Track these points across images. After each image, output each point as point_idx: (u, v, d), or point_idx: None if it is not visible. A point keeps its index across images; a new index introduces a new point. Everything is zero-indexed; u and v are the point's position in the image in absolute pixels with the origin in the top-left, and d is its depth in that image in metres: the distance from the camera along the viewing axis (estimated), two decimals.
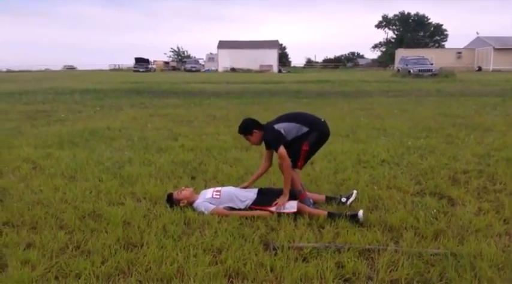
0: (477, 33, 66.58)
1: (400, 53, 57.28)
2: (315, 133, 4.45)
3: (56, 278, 3.07)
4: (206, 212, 4.27)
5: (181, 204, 4.42)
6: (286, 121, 4.52)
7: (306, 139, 4.41)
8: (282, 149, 4.32)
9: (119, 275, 3.13)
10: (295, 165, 4.42)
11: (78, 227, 3.95)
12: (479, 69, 57.09)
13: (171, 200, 4.47)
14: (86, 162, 6.39)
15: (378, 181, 5.39)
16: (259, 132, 4.52)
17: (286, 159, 4.30)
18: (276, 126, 4.46)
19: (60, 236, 3.73)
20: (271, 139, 4.44)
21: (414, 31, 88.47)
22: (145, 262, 3.26)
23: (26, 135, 8.87)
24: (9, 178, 5.62)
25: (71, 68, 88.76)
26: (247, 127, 4.56)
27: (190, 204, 4.43)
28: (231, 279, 3.08)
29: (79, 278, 3.05)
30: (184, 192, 4.49)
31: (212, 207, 4.31)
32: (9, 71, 71.29)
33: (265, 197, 4.39)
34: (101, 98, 17.66)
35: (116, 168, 6.06)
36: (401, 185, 5.19)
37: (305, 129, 4.43)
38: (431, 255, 3.36)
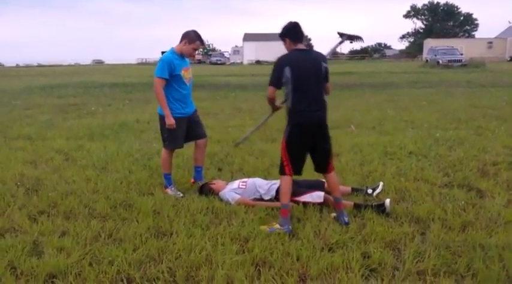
0: (509, 22, 64.83)
1: (429, 43, 56.10)
2: (288, 126, 3.87)
3: (90, 264, 3.19)
4: (232, 202, 4.35)
5: (211, 185, 4.65)
6: (294, 80, 3.76)
7: (283, 136, 3.89)
8: (269, 90, 3.84)
9: (149, 262, 3.23)
10: (285, 172, 3.87)
11: (110, 216, 4.09)
12: (511, 59, 55.42)
13: (203, 189, 4.68)
14: (116, 154, 6.55)
15: (405, 173, 5.36)
16: (290, 44, 3.88)
17: (269, 99, 3.93)
18: (287, 71, 3.75)
19: (93, 224, 3.86)
20: (272, 71, 3.85)
21: (443, 21, 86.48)
22: (175, 250, 3.36)
23: (58, 128, 9.15)
24: (43, 169, 5.82)
25: (99, 62, 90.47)
26: (283, 31, 3.90)
27: (217, 193, 4.55)
28: (258, 267, 3.13)
29: (112, 265, 3.15)
30: (217, 180, 4.82)
31: (238, 196, 4.39)
32: (40, 66, 73.08)
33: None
34: (130, 91, 17.97)
35: (145, 160, 6.21)
36: (428, 177, 5.14)
37: (288, 102, 3.83)
38: (458, 246, 3.35)
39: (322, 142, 3.97)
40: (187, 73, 4.73)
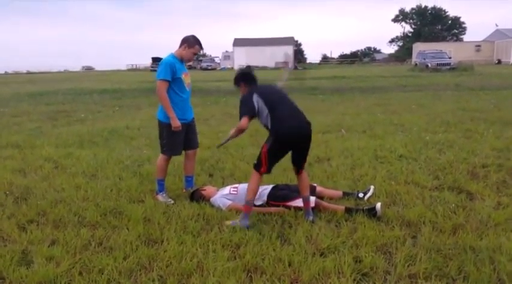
0: (496, 25, 65.55)
1: (418, 47, 56.58)
2: (273, 136, 3.95)
3: (80, 273, 3.16)
4: (223, 208, 4.34)
5: (202, 191, 4.63)
6: (266, 101, 3.99)
7: (266, 141, 4.02)
8: (244, 120, 3.93)
9: (140, 270, 3.20)
10: (259, 171, 3.99)
11: (100, 224, 4.05)
12: (499, 62, 56.03)
13: (193, 196, 4.65)
14: (106, 161, 6.51)
15: (395, 176, 5.38)
16: (245, 88, 4.24)
17: (241, 130, 4.02)
18: (255, 98, 3.98)
19: (83, 233, 3.82)
20: (241, 105, 4.07)
21: (431, 24, 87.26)
22: (165, 258, 3.33)
23: (47, 135, 9.06)
24: (32, 177, 5.76)
25: (89, 69, 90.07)
26: (236, 78, 4.37)
27: (208, 199, 4.52)
28: (249, 274, 3.12)
29: (102, 274, 3.12)
30: (208, 186, 4.80)
31: (229, 202, 4.38)
32: (29, 73, 72.52)
33: (283, 192, 4.43)
34: (120, 98, 17.90)
35: (136, 166, 6.17)
36: (419, 180, 5.17)
37: (269, 125, 3.98)
38: (449, 249, 3.36)
39: (305, 148, 4.13)
40: (187, 78, 4.74)
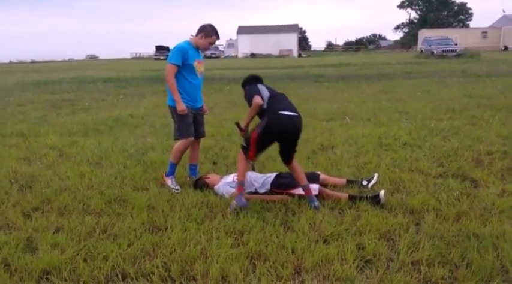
0: (503, 11, 64.79)
1: (424, 34, 56.10)
2: (264, 121, 4.04)
3: (85, 260, 3.18)
4: (227, 195, 4.35)
5: (205, 179, 4.65)
6: (269, 89, 4.31)
7: (258, 124, 4.11)
8: (256, 98, 4.05)
9: (144, 257, 3.22)
10: (246, 155, 4.13)
11: (105, 212, 4.08)
12: (506, 48, 55.51)
13: (197, 183, 4.67)
14: (110, 149, 6.53)
15: (399, 164, 5.36)
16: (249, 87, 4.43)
17: (257, 106, 4.04)
18: (260, 86, 4.30)
19: (87, 220, 3.84)
20: (248, 93, 4.29)
21: (437, 11, 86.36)
22: (169, 245, 3.35)
23: (52, 124, 9.09)
24: (37, 165, 5.78)
25: (93, 57, 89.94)
26: (242, 83, 4.58)
27: (212, 187, 4.53)
28: (253, 260, 3.13)
29: (106, 261, 3.14)
30: (212, 174, 4.80)
31: (232, 190, 4.37)
32: (33, 61, 72.50)
33: (286, 180, 4.43)
34: (124, 86, 17.89)
35: (140, 155, 6.19)
36: (423, 167, 5.15)
37: (265, 105, 4.09)
38: (452, 236, 3.35)
39: (292, 141, 4.17)
40: (200, 66, 4.72)
